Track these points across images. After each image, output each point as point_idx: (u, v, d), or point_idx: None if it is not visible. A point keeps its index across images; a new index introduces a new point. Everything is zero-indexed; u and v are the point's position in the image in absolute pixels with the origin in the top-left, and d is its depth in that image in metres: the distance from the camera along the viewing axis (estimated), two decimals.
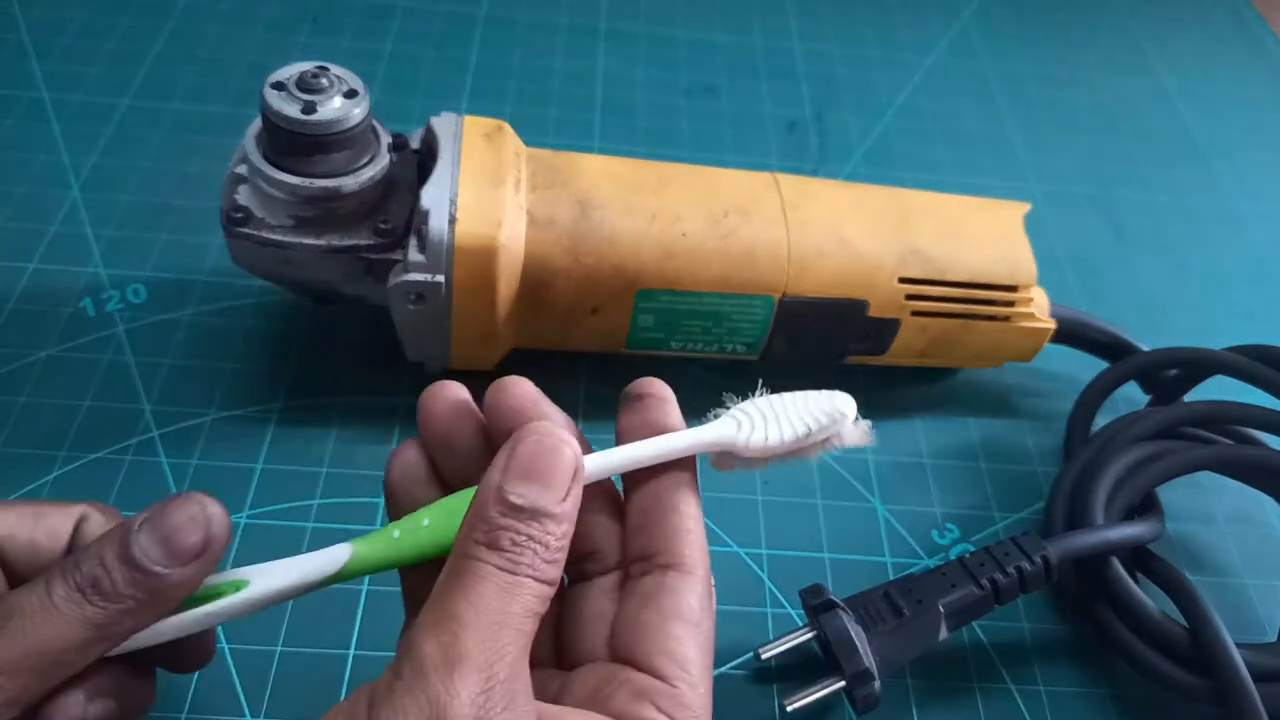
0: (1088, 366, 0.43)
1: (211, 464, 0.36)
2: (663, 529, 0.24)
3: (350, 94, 0.33)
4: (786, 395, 0.26)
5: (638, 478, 0.25)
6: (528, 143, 0.38)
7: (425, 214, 0.34)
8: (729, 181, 0.39)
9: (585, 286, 0.36)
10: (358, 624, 0.33)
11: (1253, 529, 0.41)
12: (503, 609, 0.20)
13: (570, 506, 0.22)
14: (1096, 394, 0.42)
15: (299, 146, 0.33)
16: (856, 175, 0.54)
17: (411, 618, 0.25)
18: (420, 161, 0.37)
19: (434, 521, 0.24)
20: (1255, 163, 0.60)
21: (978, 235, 0.40)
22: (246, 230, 0.34)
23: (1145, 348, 0.42)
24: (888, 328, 0.40)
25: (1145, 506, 0.37)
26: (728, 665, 0.34)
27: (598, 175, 0.37)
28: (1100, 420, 0.41)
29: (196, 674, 0.30)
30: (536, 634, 0.21)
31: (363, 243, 0.34)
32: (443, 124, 0.37)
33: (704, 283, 0.37)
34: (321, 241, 0.34)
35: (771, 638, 0.33)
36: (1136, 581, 0.34)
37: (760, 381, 0.27)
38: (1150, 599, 0.33)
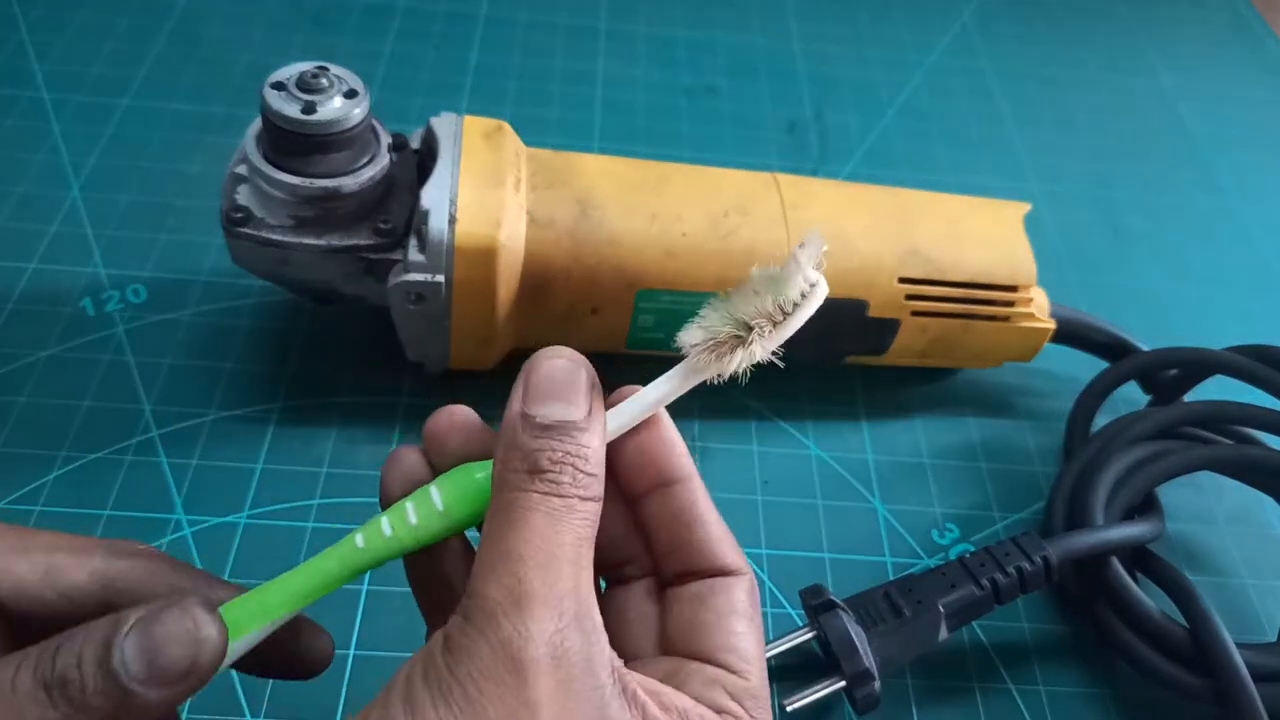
0: (1088, 366, 0.43)
1: (211, 464, 0.36)
2: (695, 546, 0.24)
3: (350, 94, 0.33)
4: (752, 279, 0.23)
5: (647, 499, 0.24)
6: (528, 143, 0.38)
7: (425, 214, 0.34)
8: (729, 181, 0.39)
9: (585, 287, 0.36)
10: (358, 624, 0.33)
11: (1253, 529, 0.41)
12: (557, 539, 0.20)
13: (596, 419, 0.22)
14: (1096, 394, 0.42)
15: (299, 146, 0.33)
16: (856, 175, 0.54)
17: (423, 604, 0.25)
18: (420, 162, 0.37)
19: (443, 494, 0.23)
20: (1255, 163, 0.60)
21: (978, 235, 0.40)
22: (246, 230, 0.34)
23: (1145, 348, 0.42)
24: (888, 328, 0.40)
25: (1145, 506, 0.37)
26: None
27: (598, 175, 0.37)
28: (1100, 420, 0.41)
29: None
30: None
31: (363, 243, 0.34)
32: (443, 124, 0.37)
33: (704, 283, 0.37)
34: (321, 241, 0.34)
35: (772, 638, 0.33)
36: (1136, 581, 0.34)
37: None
38: (1150, 599, 0.33)
